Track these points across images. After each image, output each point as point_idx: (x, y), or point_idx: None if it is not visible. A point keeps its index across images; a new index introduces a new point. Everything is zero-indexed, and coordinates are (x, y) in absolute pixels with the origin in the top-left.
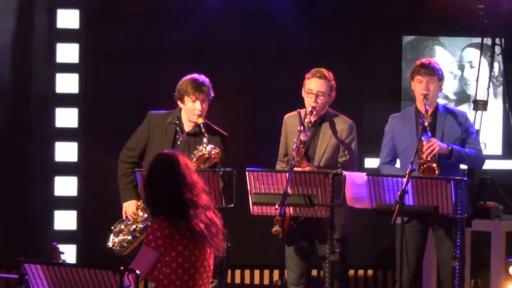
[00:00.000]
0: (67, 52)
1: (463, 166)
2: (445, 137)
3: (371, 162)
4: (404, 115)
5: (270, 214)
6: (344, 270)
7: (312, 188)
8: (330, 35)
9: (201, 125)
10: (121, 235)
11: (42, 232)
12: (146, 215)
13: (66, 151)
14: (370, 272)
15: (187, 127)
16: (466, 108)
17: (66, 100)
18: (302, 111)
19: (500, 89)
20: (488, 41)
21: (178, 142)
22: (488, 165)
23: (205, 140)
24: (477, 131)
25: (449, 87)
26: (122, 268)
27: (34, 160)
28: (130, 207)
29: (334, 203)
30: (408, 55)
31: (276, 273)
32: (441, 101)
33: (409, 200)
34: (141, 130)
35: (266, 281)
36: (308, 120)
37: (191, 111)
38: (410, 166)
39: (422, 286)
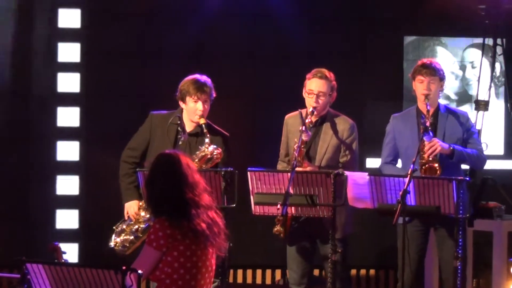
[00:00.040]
0: (69, 52)
1: (464, 166)
2: (446, 137)
3: (372, 162)
4: (405, 115)
5: (272, 214)
6: (345, 269)
7: (314, 188)
8: (330, 35)
9: (203, 125)
10: (123, 235)
11: (44, 231)
12: (148, 215)
13: (67, 150)
14: (372, 272)
15: (189, 127)
16: (467, 108)
17: (68, 99)
18: (303, 111)
19: (501, 89)
20: (489, 41)
21: (180, 142)
22: (490, 165)
23: (207, 140)
24: (479, 131)
25: (451, 87)
26: (124, 267)
27: (36, 159)
28: (132, 207)
29: (336, 203)
30: (410, 56)
31: (278, 273)
32: (442, 101)
33: (411, 200)
34: (143, 131)
35: (268, 281)
36: (309, 120)
37: (192, 111)
38: (412, 166)
39: (424, 286)
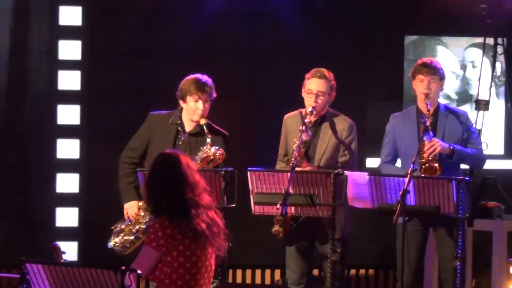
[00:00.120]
0: (70, 49)
1: (464, 166)
2: (446, 137)
3: (372, 162)
4: (405, 114)
5: (272, 214)
6: (343, 269)
7: (313, 188)
8: (330, 35)
9: (204, 126)
10: (122, 235)
11: (44, 229)
12: (148, 216)
13: (68, 148)
14: (371, 271)
15: (189, 127)
16: (468, 108)
17: (68, 97)
18: (303, 111)
19: (502, 89)
20: (490, 41)
21: (180, 142)
22: (490, 164)
23: (208, 141)
24: (479, 131)
25: (451, 87)
26: (123, 267)
27: (36, 157)
28: (131, 208)
29: (336, 203)
30: (410, 55)
31: (277, 273)
32: (442, 101)
33: (410, 200)
34: (142, 131)
35: (267, 281)
36: (308, 120)
37: (193, 110)
38: (411, 165)
39: (423, 286)
